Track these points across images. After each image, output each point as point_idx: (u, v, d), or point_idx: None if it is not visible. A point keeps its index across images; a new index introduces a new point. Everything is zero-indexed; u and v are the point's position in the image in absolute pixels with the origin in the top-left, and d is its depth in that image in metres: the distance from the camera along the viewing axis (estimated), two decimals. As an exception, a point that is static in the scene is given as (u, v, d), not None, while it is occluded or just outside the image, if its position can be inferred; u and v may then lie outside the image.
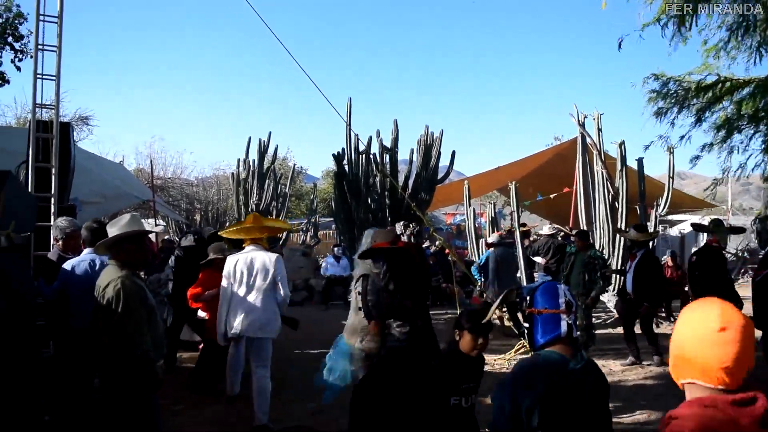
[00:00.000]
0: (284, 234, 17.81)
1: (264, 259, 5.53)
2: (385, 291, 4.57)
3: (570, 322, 2.46)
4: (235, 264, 5.58)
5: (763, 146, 7.77)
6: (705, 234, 9.28)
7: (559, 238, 12.80)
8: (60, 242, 5.13)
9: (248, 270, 5.51)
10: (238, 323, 5.46)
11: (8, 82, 11.53)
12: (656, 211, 11.28)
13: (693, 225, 9.76)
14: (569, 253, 8.70)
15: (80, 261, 4.68)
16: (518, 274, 11.60)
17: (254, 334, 5.45)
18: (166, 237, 18.29)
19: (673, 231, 21.72)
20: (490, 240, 10.99)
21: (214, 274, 6.35)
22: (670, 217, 19.68)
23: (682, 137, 7.86)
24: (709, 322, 1.60)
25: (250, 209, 18.12)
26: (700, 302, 1.71)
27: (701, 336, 1.60)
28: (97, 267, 4.48)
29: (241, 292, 5.49)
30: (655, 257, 8.34)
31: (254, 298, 5.46)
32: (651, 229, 11.05)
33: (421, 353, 4.39)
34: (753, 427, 1.54)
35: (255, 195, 18.15)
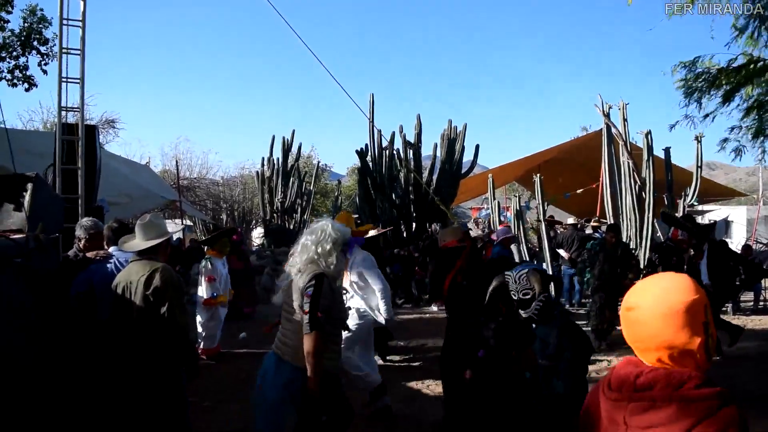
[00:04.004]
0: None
1: None
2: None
3: None
4: None
5: None
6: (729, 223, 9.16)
7: (586, 231, 12.69)
8: (82, 241, 5.18)
9: None
10: None
11: (36, 85, 11.77)
12: (684, 201, 11.07)
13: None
14: (592, 251, 8.69)
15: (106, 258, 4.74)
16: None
17: None
18: (193, 237, 18.51)
19: (703, 221, 21.39)
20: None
21: None
22: (699, 207, 19.36)
23: (706, 116, 7.67)
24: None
25: (275, 207, 18.22)
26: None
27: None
28: (122, 264, 4.53)
29: None
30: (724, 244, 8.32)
31: None
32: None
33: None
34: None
35: (280, 193, 18.23)
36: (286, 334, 3.71)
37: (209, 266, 7.63)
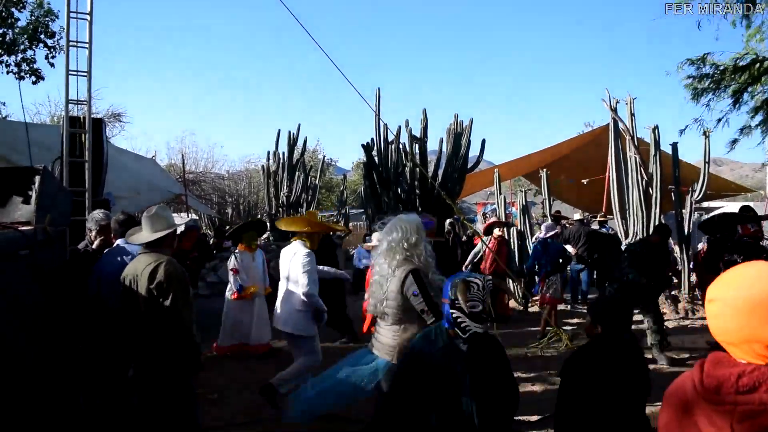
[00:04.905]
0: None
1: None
2: None
3: None
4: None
5: None
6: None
7: (592, 226, 12.65)
8: (93, 233, 5.18)
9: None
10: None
11: (43, 78, 11.83)
12: (691, 197, 11.01)
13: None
14: (635, 252, 7.57)
15: (113, 251, 4.75)
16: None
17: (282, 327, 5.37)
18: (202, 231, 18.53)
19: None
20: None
21: None
22: (705, 204, 19.29)
23: (719, 120, 7.64)
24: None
25: (280, 202, 18.22)
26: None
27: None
28: (128, 256, 4.52)
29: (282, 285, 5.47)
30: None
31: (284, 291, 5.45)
32: (686, 216, 10.85)
33: None
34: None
35: (285, 187, 18.22)
36: (379, 331, 3.85)
37: (233, 260, 7.70)
